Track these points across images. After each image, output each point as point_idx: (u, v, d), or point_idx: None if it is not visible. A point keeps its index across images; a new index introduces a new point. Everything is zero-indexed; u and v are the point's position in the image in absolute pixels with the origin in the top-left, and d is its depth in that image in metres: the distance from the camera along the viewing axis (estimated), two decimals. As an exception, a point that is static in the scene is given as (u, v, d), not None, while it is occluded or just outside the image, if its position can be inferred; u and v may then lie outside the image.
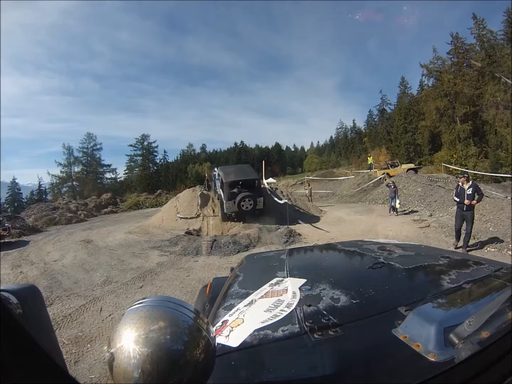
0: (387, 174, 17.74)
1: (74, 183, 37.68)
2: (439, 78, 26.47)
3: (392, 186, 10.31)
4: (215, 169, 10.90)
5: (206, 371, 0.43)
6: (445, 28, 64.01)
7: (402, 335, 0.64)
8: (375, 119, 42.87)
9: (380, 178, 17.49)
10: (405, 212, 10.51)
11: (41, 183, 37.82)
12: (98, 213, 18.19)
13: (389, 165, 19.08)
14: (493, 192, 9.89)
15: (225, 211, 8.68)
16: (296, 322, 0.75)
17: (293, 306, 0.82)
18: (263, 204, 8.88)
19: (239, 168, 10.47)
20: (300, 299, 0.86)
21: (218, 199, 9.73)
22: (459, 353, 0.55)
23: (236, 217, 8.81)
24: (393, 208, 10.39)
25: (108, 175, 40.90)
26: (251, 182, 8.91)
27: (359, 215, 10.65)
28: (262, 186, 9.64)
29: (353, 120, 54.76)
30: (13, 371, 0.30)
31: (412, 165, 19.06)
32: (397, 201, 10.22)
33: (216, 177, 10.16)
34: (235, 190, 8.57)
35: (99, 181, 39.39)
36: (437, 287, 0.88)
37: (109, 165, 40.45)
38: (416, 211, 10.37)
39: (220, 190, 9.10)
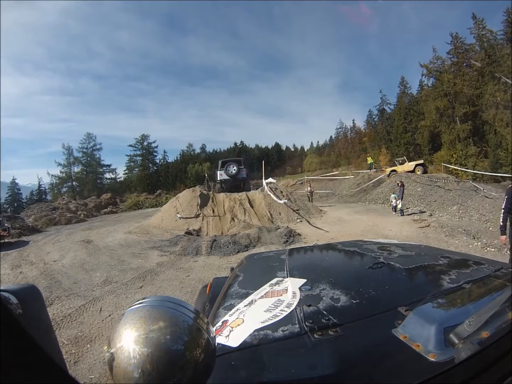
0: (394, 171, 18.13)
1: (74, 183, 37.65)
2: (439, 78, 26.52)
3: (400, 186, 10.32)
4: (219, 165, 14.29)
5: (206, 371, 0.43)
6: (445, 28, 64.14)
7: (402, 335, 0.63)
8: (375, 119, 42.91)
9: (388, 175, 17.77)
10: (413, 212, 10.47)
11: (41, 183, 37.83)
12: (98, 213, 18.22)
13: (397, 163, 19.20)
14: (493, 193, 9.91)
15: (218, 178, 12.76)
16: (296, 322, 0.74)
17: (293, 306, 0.82)
18: (246, 175, 13.05)
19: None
20: (300, 299, 0.86)
21: (215, 179, 13.57)
22: (459, 353, 0.55)
23: (227, 186, 12.71)
24: (395, 209, 10.39)
25: (108, 175, 40.94)
26: (236, 160, 13.77)
27: (359, 215, 10.64)
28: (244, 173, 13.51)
29: (353, 120, 54.69)
30: (13, 371, 0.30)
31: (420, 161, 19.25)
32: (398, 201, 10.23)
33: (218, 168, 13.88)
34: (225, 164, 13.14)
35: (99, 181, 39.38)
36: (437, 287, 0.88)
37: (109, 165, 40.47)
38: (424, 212, 10.23)
39: (218, 172, 13.03)
